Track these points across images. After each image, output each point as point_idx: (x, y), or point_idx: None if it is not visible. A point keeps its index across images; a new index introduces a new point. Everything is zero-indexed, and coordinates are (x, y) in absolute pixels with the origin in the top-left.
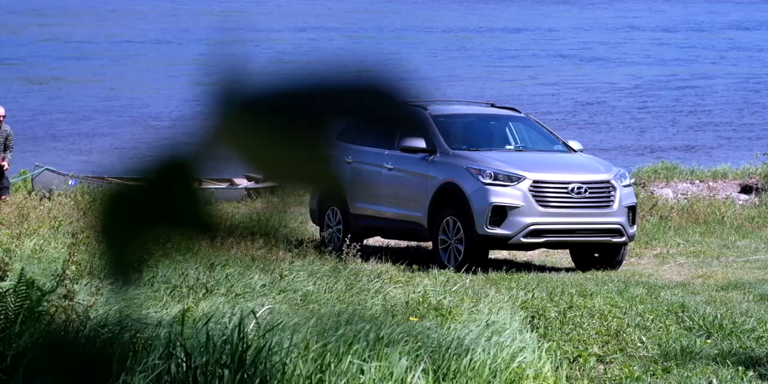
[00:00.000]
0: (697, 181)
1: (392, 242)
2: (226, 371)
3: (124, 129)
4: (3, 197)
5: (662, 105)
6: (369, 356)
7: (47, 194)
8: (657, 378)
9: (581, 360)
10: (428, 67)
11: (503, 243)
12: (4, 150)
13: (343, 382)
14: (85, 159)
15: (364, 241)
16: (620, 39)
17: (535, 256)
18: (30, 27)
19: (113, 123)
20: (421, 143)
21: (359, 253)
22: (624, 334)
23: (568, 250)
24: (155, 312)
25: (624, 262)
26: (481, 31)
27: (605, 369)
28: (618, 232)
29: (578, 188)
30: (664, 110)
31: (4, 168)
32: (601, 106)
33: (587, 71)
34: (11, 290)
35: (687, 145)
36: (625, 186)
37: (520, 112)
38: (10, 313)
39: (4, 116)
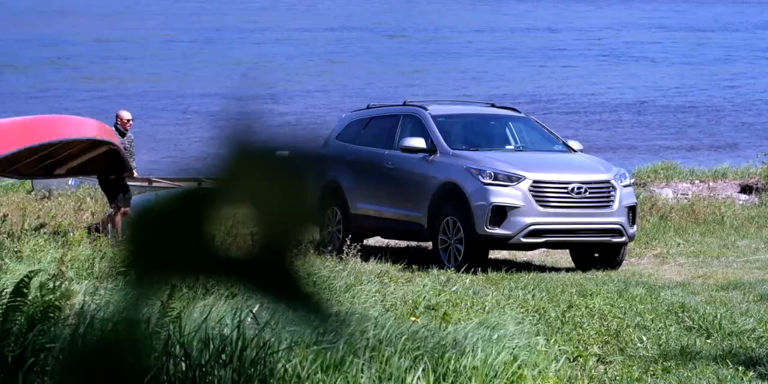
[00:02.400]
0: (697, 181)
1: (392, 242)
2: (226, 371)
3: (185, 127)
4: (126, 210)
5: (709, 104)
6: (369, 357)
7: (47, 194)
8: (657, 378)
9: (581, 360)
10: (481, 67)
11: (503, 243)
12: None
13: (342, 382)
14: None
15: (364, 241)
16: (658, 38)
17: (535, 256)
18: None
19: (177, 121)
20: (421, 143)
21: (359, 253)
22: (624, 334)
23: (568, 250)
24: (154, 311)
25: (624, 262)
26: (515, 30)
27: (605, 369)
28: (618, 232)
29: (578, 188)
30: (709, 110)
31: (134, 176)
32: (648, 105)
33: (635, 70)
34: (11, 290)
35: (731, 143)
36: (625, 186)
37: (519, 112)
38: (10, 313)
39: (132, 120)
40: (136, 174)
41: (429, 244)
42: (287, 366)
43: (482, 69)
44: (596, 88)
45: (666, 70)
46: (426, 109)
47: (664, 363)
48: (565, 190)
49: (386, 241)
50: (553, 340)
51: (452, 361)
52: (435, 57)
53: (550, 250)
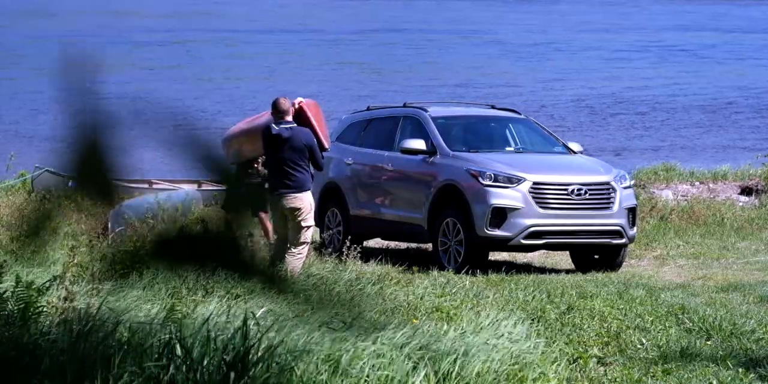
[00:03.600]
0: (697, 183)
1: (392, 244)
2: (230, 373)
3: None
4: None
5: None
6: (371, 359)
7: (47, 195)
8: (657, 379)
9: (581, 361)
10: (537, 69)
11: (503, 244)
12: None
13: None
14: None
15: (364, 243)
16: (729, 39)
17: (535, 257)
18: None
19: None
20: (421, 145)
21: (359, 254)
22: (624, 336)
23: (568, 252)
24: (155, 313)
25: (624, 263)
26: (575, 31)
27: (605, 370)
28: (618, 234)
29: (578, 190)
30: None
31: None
32: (736, 105)
33: (693, 68)
34: (10, 292)
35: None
36: (625, 187)
37: (519, 114)
38: (9, 315)
39: None
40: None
41: (429, 246)
42: (290, 368)
43: (543, 71)
44: (675, 89)
45: (749, 70)
46: (426, 111)
47: (664, 364)
48: (565, 192)
49: (386, 242)
50: (553, 341)
51: (453, 363)
52: (510, 57)
53: (550, 251)
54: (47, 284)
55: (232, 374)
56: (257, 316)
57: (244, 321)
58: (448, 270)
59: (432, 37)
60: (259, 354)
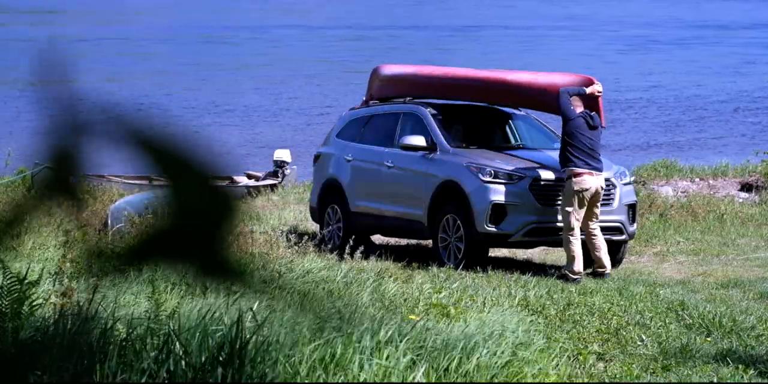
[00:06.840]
0: (697, 179)
1: (392, 240)
2: (224, 369)
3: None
4: None
5: None
6: (369, 354)
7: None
8: (657, 376)
9: (581, 358)
10: (623, 59)
11: (503, 241)
12: None
13: (342, 379)
14: None
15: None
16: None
17: (535, 254)
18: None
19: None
20: (421, 141)
21: (359, 251)
22: (624, 332)
23: None
24: (153, 309)
25: (624, 260)
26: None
27: (605, 367)
28: (618, 230)
29: None
30: None
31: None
32: None
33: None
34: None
35: None
36: (625, 184)
37: (520, 111)
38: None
39: None
40: None
41: (429, 242)
42: (287, 364)
43: (627, 64)
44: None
45: None
46: (426, 107)
47: (664, 361)
48: None
49: (386, 239)
50: (553, 338)
51: (452, 359)
52: (633, 52)
53: (550, 248)
54: (48, 280)
55: (228, 369)
56: (253, 311)
57: (239, 317)
58: (448, 266)
59: (525, 32)
60: (254, 349)
